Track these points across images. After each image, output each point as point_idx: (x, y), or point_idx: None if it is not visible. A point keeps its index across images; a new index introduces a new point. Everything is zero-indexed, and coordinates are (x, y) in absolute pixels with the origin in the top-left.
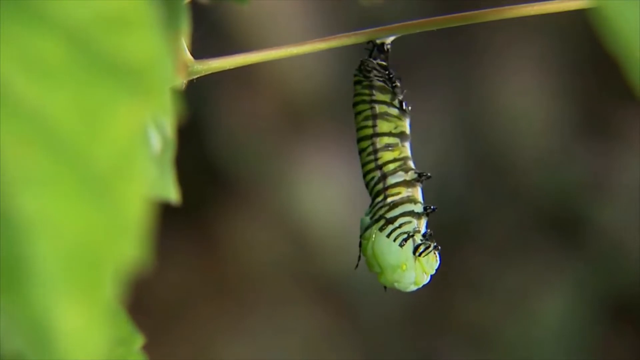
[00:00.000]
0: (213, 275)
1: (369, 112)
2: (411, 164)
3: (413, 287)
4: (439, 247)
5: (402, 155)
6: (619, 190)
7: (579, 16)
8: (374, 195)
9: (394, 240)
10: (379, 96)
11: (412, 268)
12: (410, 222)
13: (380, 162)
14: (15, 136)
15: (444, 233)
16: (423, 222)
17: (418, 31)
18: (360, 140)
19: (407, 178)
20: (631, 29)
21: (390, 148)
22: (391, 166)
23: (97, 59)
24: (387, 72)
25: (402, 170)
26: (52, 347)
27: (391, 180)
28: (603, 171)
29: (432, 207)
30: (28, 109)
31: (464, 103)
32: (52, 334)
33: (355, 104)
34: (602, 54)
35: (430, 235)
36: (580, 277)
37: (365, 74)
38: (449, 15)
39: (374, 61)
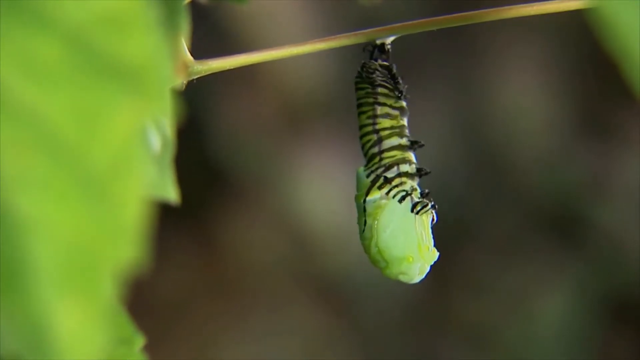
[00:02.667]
0: (213, 275)
1: (371, 95)
2: (407, 132)
3: (419, 278)
4: (436, 207)
5: (399, 124)
6: (619, 190)
7: (579, 16)
8: (369, 158)
9: (393, 198)
10: (381, 90)
11: (418, 259)
12: (406, 182)
13: (378, 126)
14: (14, 138)
15: (444, 233)
16: (417, 184)
17: (418, 31)
18: (360, 105)
19: (402, 143)
20: (630, 29)
21: (389, 117)
22: (388, 131)
23: (96, 60)
24: (389, 73)
25: (397, 135)
26: (51, 348)
27: (387, 144)
28: (603, 171)
29: (425, 169)
30: (26, 111)
31: (464, 103)
32: (51, 334)
33: (357, 90)
34: (602, 54)
35: (427, 193)
36: (580, 277)
37: (368, 75)
38: (449, 15)
39: (376, 62)
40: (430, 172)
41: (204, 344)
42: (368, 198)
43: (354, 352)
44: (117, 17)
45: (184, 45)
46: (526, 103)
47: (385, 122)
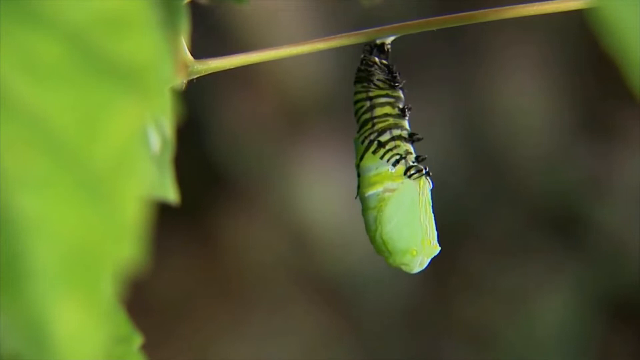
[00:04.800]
0: (213, 276)
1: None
2: (400, 104)
3: (418, 269)
4: (430, 173)
5: (394, 94)
6: (619, 190)
7: (579, 16)
8: (362, 124)
9: (387, 161)
10: (378, 76)
11: (421, 252)
12: (400, 145)
13: (372, 94)
14: (14, 137)
15: (444, 233)
16: (411, 147)
17: (418, 31)
18: (357, 81)
19: (394, 112)
20: (630, 29)
21: (384, 87)
22: (382, 99)
23: (96, 60)
24: (388, 70)
25: (389, 104)
26: (50, 346)
27: (379, 111)
28: (603, 171)
29: (418, 134)
30: (27, 110)
31: (464, 103)
32: (50, 333)
33: (355, 80)
34: (602, 54)
35: (423, 159)
36: (580, 277)
37: (367, 67)
38: (449, 15)
39: (376, 58)
40: (422, 138)
41: (204, 344)
42: (369, 192)
43: (354, 352)
44: (117, 17)
45: (184, 45)
46: (526, 103)
47: (380, 91)
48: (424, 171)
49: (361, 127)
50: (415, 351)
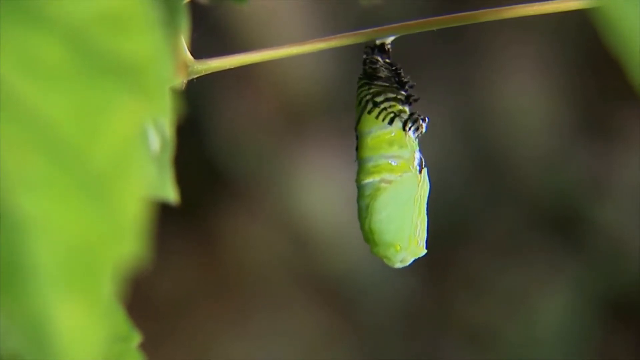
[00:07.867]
0: (213, 275)
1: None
2: (402, 92)
3: (399, 265)
4: (427, 119)
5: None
6: (619, 190)
7: (579, 16)
8: (359, 86)
9: (382, 120)
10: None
11: (405, 249)
12: (395, 105)
13: (370, 70)
14: (14, 138)
15: (444, 233)
16: (407, 108)
17: (418, 31)
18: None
19: (394, 86)
20: (632, 27)
21: (390, 84)
22: (383, 76)
23: (96, 59)
24: (393, 68)
25: (390, 91)
26: (50, 346)
27: (379, 82)
28: (603, 171)
29: (415, 95)
30: (27, 110)
31: (464, 103)
32: (50, 332)
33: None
34: (602, 54)
35: (417, 114)
36: (580, 277)
37: (371, 66)
38: (449, 15)
39: (379, 57)
40: (419, 99)
41: (205, 343)
42: (366, 181)
43: (354, 352)
44: (117, 15)
45: (184, 44)
46: (526, 103)
47: (383, 71)
48: (420, 120)
49: (358, 89)
50: (415, 351)
